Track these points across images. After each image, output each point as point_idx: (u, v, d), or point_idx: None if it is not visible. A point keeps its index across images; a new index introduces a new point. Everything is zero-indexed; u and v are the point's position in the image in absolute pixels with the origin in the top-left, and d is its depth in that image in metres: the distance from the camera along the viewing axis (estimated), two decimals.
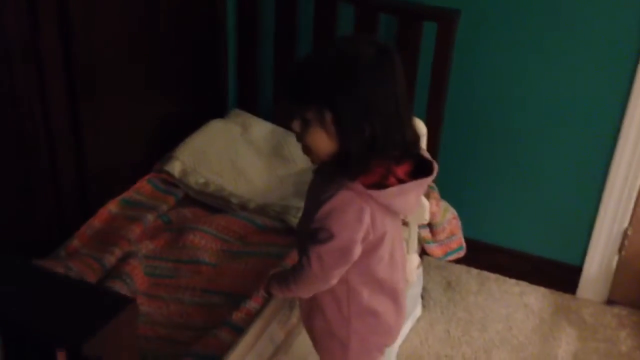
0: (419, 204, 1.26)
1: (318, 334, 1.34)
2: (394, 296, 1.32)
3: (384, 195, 1.16)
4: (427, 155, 1.28)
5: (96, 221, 1.78)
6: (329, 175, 1.17)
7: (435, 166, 1.24)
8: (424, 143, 1.76)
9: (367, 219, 1.15)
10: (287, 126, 2.18)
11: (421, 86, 1.99)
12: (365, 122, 1.12)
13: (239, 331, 1.42)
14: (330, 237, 1.15)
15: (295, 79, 1.16)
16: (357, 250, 1.19)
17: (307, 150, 1.20)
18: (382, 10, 1.96)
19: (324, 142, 1.14)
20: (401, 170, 1.19)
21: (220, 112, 2.21)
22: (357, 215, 1.14)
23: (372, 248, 1.22)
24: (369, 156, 1.14)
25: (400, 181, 1.18)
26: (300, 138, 1.19)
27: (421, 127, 1.74)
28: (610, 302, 2.22)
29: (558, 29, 1.95)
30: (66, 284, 0.72)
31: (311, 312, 1.32)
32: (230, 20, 2.18)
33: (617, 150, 2.02)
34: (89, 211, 1.80)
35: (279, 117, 2.20)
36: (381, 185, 1.16)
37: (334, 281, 1.22)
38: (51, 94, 1.61)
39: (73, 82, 1.65)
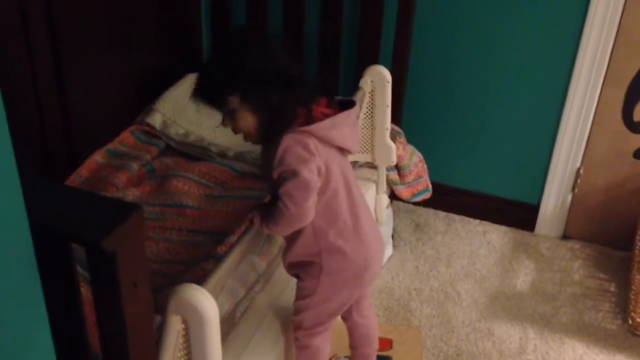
0: (356, 138, 1.40)
1: (291, 267, 1.48)
2: (359, 234, 1.42)
3: (319, 128, 1.31)
4: (344, 97, 1.46)
5: (84, 170, 1.88)
6: (269, 141, 1.34)
7: (356, 102, 1.42)
8: (388, 90, 1.89)
9: (313, 148, 1.31)
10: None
11: (387, 38, 2.11)
12: (266, 84, 1.30)
13: None
14: (293, 174, 1.29)
15: (201, 88, 1.35)
16: (317, 181, 1.32)
17: (245, 135, 1.37)
18: None
19: (251, 120, 1.32)
20: (326, 109, 1.36)
21: (195, 66, 2.30)
22: (304, 147, 1.30)
23: (324, 182, 1.36)
24: (289, 106, 1.31)
25: (328, 116, 1.34)
26: (235, 129, 1.36)
27: (386, 74, 1.87)
28: (565, 237, 2.40)
29: None
30: (84, 195, 0.84)
31: (285, 252, 1.46)
32: None
33: (569, 96, 2.17)
34: (76, 161, 1.90)
35: None
36: (309, 122, 1.32)
37: (312, 215, 1.33)
38: (36, 52, 1.69)
39: (56, 41, 1.74)
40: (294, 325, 1.49)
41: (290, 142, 1.29)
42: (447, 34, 2.23)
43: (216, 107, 1.35)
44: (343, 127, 1.36)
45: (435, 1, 2.17)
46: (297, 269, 1.45)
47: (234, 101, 1.31)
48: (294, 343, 1.53)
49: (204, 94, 1.35)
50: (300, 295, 1.46)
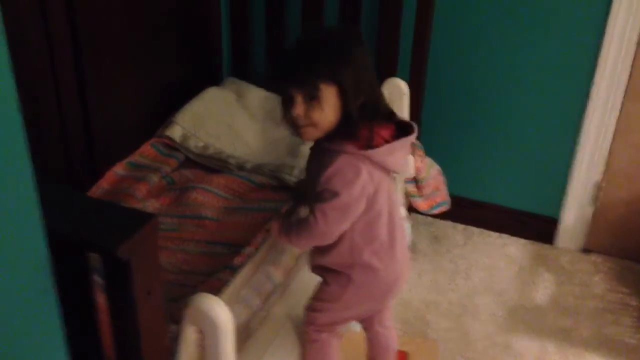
0: (406, 162, 1.40)
1: (317, 269, 1.49)
2: (393, 254, 1.44)
3: (377, 154, 1.32)
4: (403, 118, 1.43)
5: (104, 183, 1.91)
6: (325, 147, 1.33)
7: (415, 127, 1.40)
8: (406, 103, 1.90)
9: (364, 175, 1.31)
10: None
11: (405, 49, 2.12)
12: (360, 90, 1.29)
13: None
14: (334, 195, 1.30)
15: (296, 64, 1.30)
16: (359, 207, 1.33)
17: (308, 128, 1.33)
18: None
19: (331, 114, 1.29)
20: (385, 132, 1.35)
21: (215, 80, 2.34)
22: (355, 173, 1.30)
23: (369, 203, 1.36)
24: (363, 119, 1.30)
25: (386, 141, 1.33)
26: (305, 117, 1.31)
27: (403, 87, 1.88)
28: (586, 250, 2.37)
29: (534, 3, 2.09)
30: (100, 204, 0.85)
31: (316, 255, 1.46)
32: None
33: (589, 109, 2.16)
34: (97, 174, 1.93)
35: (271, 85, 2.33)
36: (369, 146, 1.31)
37: (334, 238, 1.36)
38: (59, 64, 1.73)
39: (79, 54, 1.78)
40: (307, 320, 1.50)
41: (343, 164, 1.29)
42: (465, 46, 2.23)
43: (303, 88, 1.28)
44: (398, 152, 1.36)
45: (453, 14, 2.18)
46: (325, 272, 1.46)
47: (327, 90, 1.27)
48: (304, 336, 1.54)
49: (298, 73, 1.29)
50: (322, 297, 1.46)
